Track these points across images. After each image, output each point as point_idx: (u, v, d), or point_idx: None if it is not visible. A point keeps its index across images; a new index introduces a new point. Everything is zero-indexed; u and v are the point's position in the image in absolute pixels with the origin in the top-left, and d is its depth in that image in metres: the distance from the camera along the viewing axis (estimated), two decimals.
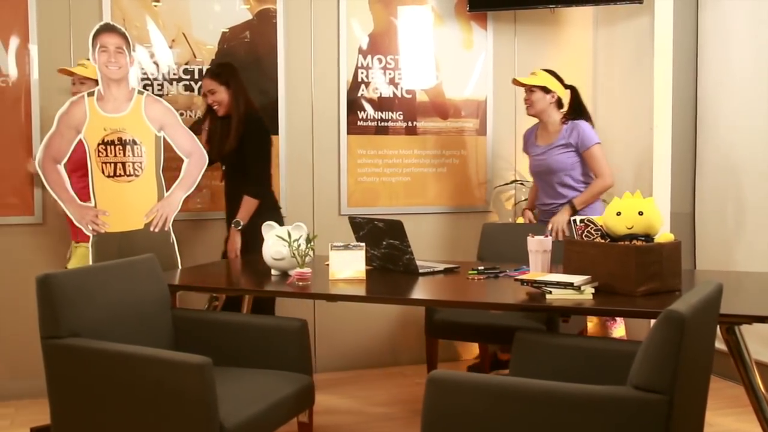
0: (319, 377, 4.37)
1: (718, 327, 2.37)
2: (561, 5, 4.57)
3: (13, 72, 3.98)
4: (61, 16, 4.05)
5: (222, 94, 3.92)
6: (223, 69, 4.00)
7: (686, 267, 4.27)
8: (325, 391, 4.14)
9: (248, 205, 3.88)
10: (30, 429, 3.50)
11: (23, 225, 4.02)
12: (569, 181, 4.05)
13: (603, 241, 2.79)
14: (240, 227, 3.87)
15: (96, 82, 3.68)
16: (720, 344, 2.56)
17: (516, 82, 4.14)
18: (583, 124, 4.02)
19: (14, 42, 3.97)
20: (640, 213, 2.70)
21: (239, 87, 3.96)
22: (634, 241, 2.70)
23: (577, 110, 4.11)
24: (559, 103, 4.10)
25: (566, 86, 4.12)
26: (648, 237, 2.73)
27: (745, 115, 4.13)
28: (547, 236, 3.04)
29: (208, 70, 4.12)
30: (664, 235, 2.78)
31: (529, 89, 4.07)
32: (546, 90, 4.04)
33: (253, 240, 3.74)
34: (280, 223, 3.89)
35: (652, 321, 1.93)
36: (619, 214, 2.73)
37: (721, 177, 4.33)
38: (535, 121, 4.21)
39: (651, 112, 4.36)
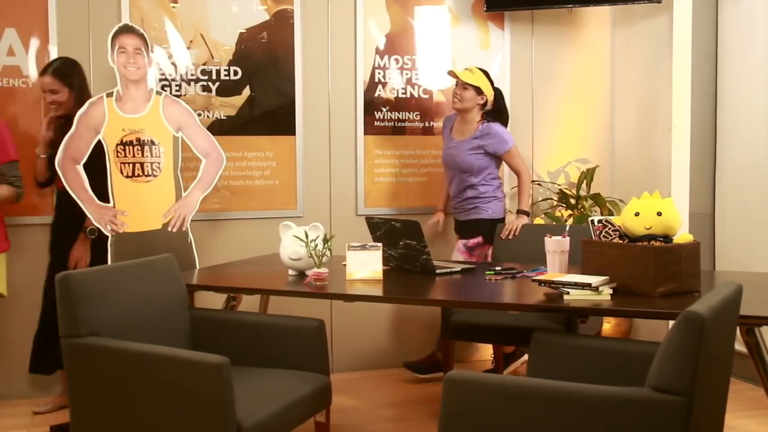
0: (336, 377, 4.36)
1: (737, 328, 2.35)
2: (579, 5, 4.55)
3: (33, 73, 4.01)
4: (81, 18, 4.08)
5: (64, 96, 3.70)
6: (70, 70, 3.74)
7: (705, 268, 4.25)
8: (342, 391, 4.14)
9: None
10: (50, 427, 3.53)
11: (43, 225, 4.05)
12: (472, 180, 4.11)
13: (621, 241, 2.78)
14: (95, 235, 3.66)
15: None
16: (740, 346, 2.54)
17: (452, 73, 4.12)
18: (496, 127, 4.08)
19: (34, 43, 4.01)
20: (659, 213, 2.68)
21: (82, 88, 3.75)
22: (653, 242, 2.68)
23: (498, 113, 4.17)
24: (483, 106, 4.13)
25: (493, 88, 4.15)
26: (667, 237, 2.71)
27: (766, 113, 4.10)
28: (565, 236, 3.03)
29: (50, 65, 3.75)
30: (683, 235, 2.76)
31: (463, 85, 4.07)
32: (479, 91, 4.06)
33: (98, 248, 3.67)
34: (97, 233, 3.67)
35: (671, 322, 1.92)
36: (637, 214, 2.71)
37: (741, 177, 4.29)
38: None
39: (669, 112, 4.34)
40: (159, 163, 3.72)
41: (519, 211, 4.11)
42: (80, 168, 3.64)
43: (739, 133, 4.31)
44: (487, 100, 4.10)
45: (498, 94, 4.18)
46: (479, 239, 4.11)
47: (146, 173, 3.70)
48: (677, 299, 2.57)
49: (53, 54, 4.01)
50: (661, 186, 4.32)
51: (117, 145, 3.66)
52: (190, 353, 2.41)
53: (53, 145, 3.70)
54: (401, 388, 4.23)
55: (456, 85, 4.13)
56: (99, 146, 3.66)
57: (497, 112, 4.18)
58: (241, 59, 4.30)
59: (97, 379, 2.47)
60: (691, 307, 1.81)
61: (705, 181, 4.52)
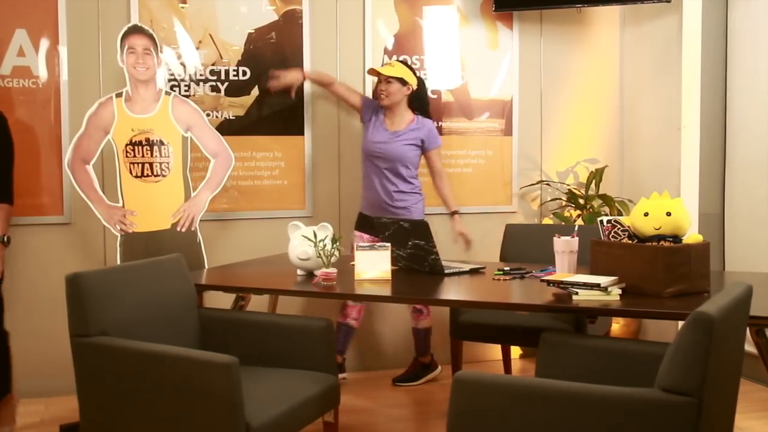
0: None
1: (747, 329, 2.34)
2: (587, 5, 4.55)
3: (43, 73, 4.03)
4: (90, 18, 4.10)
5: None
6: None
7: (715, 268, 4.23)
8: (350, 391, 4.15)
9: (4, 212, 3.33)
10: (60, 426, 3.55)
11: (53, 224, 4.07)
12: (404, 172, 4.08)
13: (630, 242, 2.77)
14: (8, 243, 3.33)
15: None
16: (750, 347, 2.53)
17: (373, 71, 4.11)
18: (431, 123, 4.16)
19: (44, 44, 4.02)
20: (668, 213, 2.68)
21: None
22: (662, 242, 2.68)
23: (420, 101, 4.16)
24: (410, 96, 4.12)
25: (416, 77, 4.15)
26: (676, 238, 2.70)
27: None
28: (574, 236, 3.02)
29: None
30: (692, 236, 2.75)
31: (387, 80, 4.04)
32: (403, 82, 4.05)
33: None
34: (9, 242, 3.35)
35: (680, 323, 1.91)
36: (646, 214, 2.70)
37: (751, 177, 4.28)
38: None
39: (679, 112, 4.33)
40: (168, 163, 3.73)
41: (454, 213, 4.18)
42: (90, 168, 3.66)
43: (748, 133, 4.29)
44: (411, 88, 4.08)
45: (420, 82, 4.16)
46: None
47: (155, 173, 3.71)
48: (687, 300, 2.56)
49: (63, 54, 4.03)
50: (671, 186, 4.31)
51: (126, 145, 3.67)
52: (199, 353, 2.41)
53: None
54: (409, 388, 4.23)
55: (379, 83, 4.11)
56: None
57: (419, 99, 4.16)
58: (250, 59, 4.31)
59: (107, 378, 2.48)
60: (701, 308, 1.80)
61: (714, 181, 4.50)
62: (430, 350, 4.34)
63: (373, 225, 4.05)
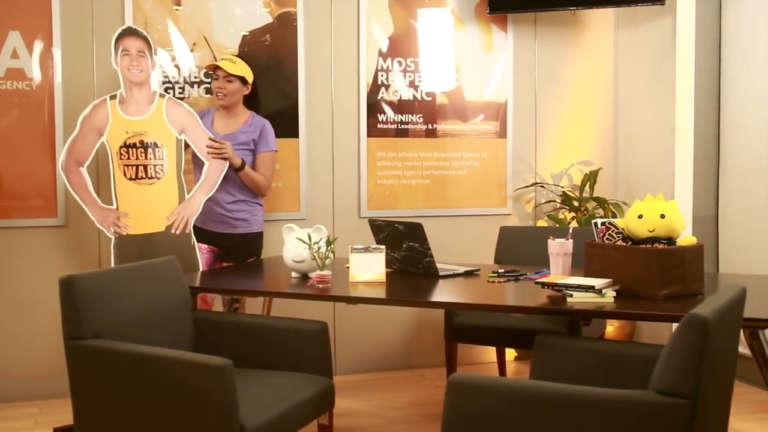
0: (339, 380, 4.38)
1: (741, 331, 2.35)
2: (582, 7, 4.55)
3: (37, 76, 4.02)
4: (84, 21, 4.09)
5: None
6: None
7: (709, 270, 4.24)
8: (345, 393, 4.14)
9: None
10: (53, 429, 3.54)
11: (47, 227, 4.06)
12: (239, 181, 3.87)
13: (624, 244, 2.77)
14: None
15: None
16: (744, 348, 2.54)
17: (214, 67, 3.87)
18: (270, 126, 3.94)
19: (38, 46, 4.02)
20: (662, 216, 2.68)
21: None
22: (656, 245, 2.68)
23: (255, 102, 4.01)
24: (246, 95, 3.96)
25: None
26: (670, 240, 2.71)
27: None
28: (568, 239, 3.03)
29: None
30: (686, 238, 2.76)
31: (227, 78, 3.84)
32: (244, 81, 3.88)
33: None
34: None
35: (674, 325, 1.92)
36: (640, 216, 2.71)
37: (745, 179, 4.29)
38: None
39: (673, 114, 4.34)
40: (162, 165, 3.72)
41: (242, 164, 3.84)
42: (84, 170, 3.65)
43: (742, 136, 4.31)
44: (250, 87, 3.92)
45: (255, 84, 3.99)
46: (252, 258, 3.95)
47: (149, 175, 3.70)
48: (681, 302, 2.56)
49: (57, 57, 4.02)
50: (665, 188, 4.32)
51: (120, 147, 3.67)
52: (194, 355, 2.41)
53: None
54: (404, 391, 4.23)
55: (217, 79, 3.87)
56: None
57: (255, 102, 4.01)
58: (245, 61, 4.30)
59: (101, 381, 2.47)
60: (695, 310, 1.80)
61: (708, 183, 4.52)
62: None
63: (208, 237, 3.88)
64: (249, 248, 3.94)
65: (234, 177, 3.84)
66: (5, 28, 3.96)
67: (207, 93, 4.26)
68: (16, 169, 4.00)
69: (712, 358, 1.84)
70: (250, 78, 3.92)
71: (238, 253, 3.91)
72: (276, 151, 3.97)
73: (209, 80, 4.26)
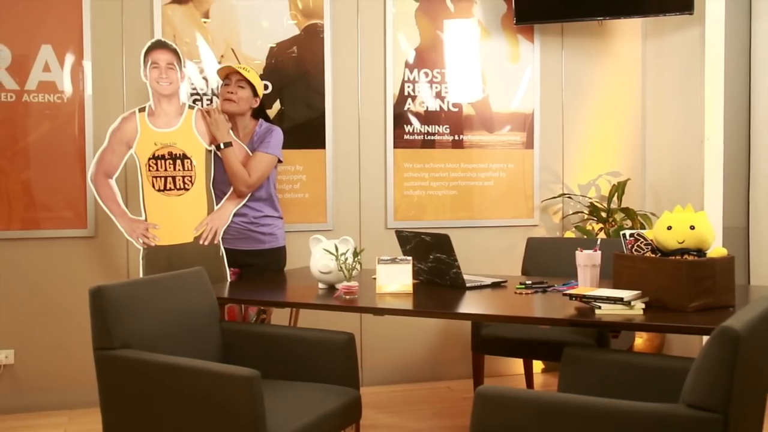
0: (366, 391, 4.37)
1: None
2: (609, 17, 4.53)
3: (68, 88, 4.08)
4: (114, 34, 4.15)
5: None
6: None
7: (740, 282, 4.19)
8: (372, 405, 4.14)
9: None
10: None
11: (77, 238, 4.11)
12: (263, 194, 3.81)
13: (654, 255, 2.75)
14: None
15: None
16: None
17: (229, 69, 3.77)
18: (279, 132, 3.82)
19: (69, 59, 4.08)
20: (692, 227, 2.65)
21: None
22: (686, 256, 2.65)
23: (262, 114, 3.98)
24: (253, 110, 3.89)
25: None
26: (700, 252, 2.68)
27: None
28: (596, 250, 3.01)
29: None
30: (716, 249, 2.72)
31: (239, 83, 3.76)
32: (254, 92, 3.80)
33: None
34: None
35: (705, 337, 1.90)
36: (670, 228, 2.68)
37: None
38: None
39: (702, 125, 4.30)
40: (191, 176, 3.75)
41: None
42: (113, 182, 3.69)
43: None
44: (258, 102, 3.85)
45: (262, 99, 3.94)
46: None
47: (178, 187, 3.73)
48: (711, 314, 2.53)
49: (87, 69, 4.08)
50: (694, 199, 4.28)
51: (149, 159, 3.70)
52: (221, 366, 2.42)
53: None
54: (432, 402, 4.22)
55: (228, 84, 3.77)
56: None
57: (261, 112, 3.98)
58: (272, 73, 4.33)
59: (129, 391, 2.49)
60: (726, 323, 1.78)
61: (738, 194, 4.46)
62: None
63: (233, 256, 3.77)
64: (274, 267, 3.87)
65: (260, 192, 3.81)
66: (37, 42, 4.03)
67: None
68: (47, 181, 4.05)
69: (744, 371, 1.81)
70: (260, 90, 3.88)
71: (263, 272, 3.84)
72: (276, 156, 3.79)
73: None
